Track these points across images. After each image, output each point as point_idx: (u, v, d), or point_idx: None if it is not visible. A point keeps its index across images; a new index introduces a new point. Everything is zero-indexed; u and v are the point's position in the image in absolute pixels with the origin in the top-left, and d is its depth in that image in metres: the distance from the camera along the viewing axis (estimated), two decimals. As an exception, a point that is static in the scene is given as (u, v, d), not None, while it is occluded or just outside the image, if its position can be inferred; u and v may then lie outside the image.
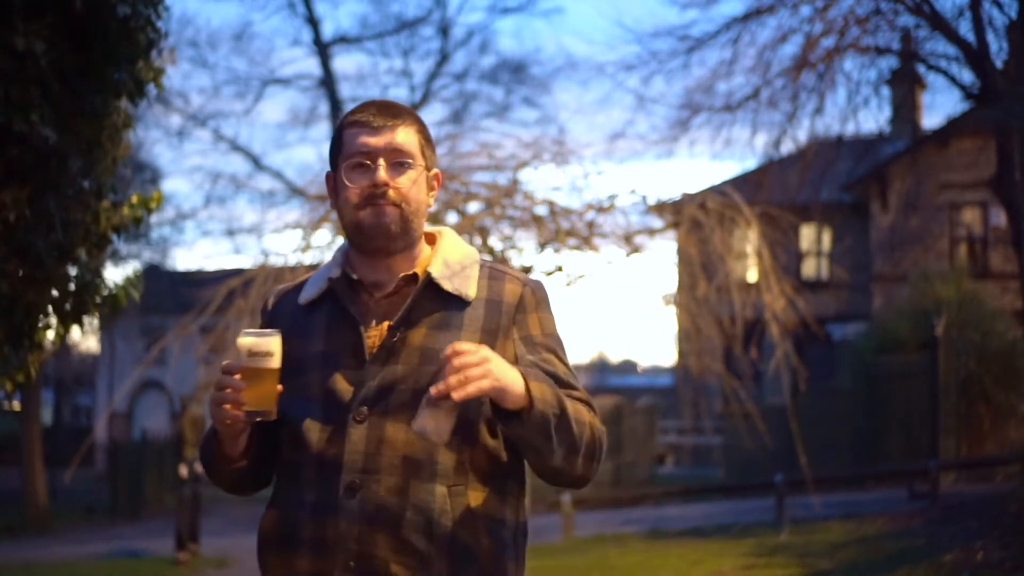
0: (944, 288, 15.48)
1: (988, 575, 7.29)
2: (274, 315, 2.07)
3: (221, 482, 2.07)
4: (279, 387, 1.88)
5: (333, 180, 2.02)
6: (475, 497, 1.90)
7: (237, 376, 1.85)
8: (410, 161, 1.97)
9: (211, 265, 33.19)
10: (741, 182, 16.16)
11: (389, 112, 1.99)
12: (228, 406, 1.85)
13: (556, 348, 2.00)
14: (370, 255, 1.98)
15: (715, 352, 13.00)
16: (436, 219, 11.68)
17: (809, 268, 24.07)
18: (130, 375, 22.18)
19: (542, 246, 11.62)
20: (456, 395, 1.73)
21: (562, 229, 11.76)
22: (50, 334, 4.28)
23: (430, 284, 1.95)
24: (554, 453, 1.85)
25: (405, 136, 1.98)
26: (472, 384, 1.73)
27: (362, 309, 1.97)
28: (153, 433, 21.96)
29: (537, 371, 1.88)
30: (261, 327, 2.06)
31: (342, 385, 1.91)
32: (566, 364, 2.00)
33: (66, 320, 4.22)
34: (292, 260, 12.12)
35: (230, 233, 36.38)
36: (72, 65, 3.82)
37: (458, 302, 1.95)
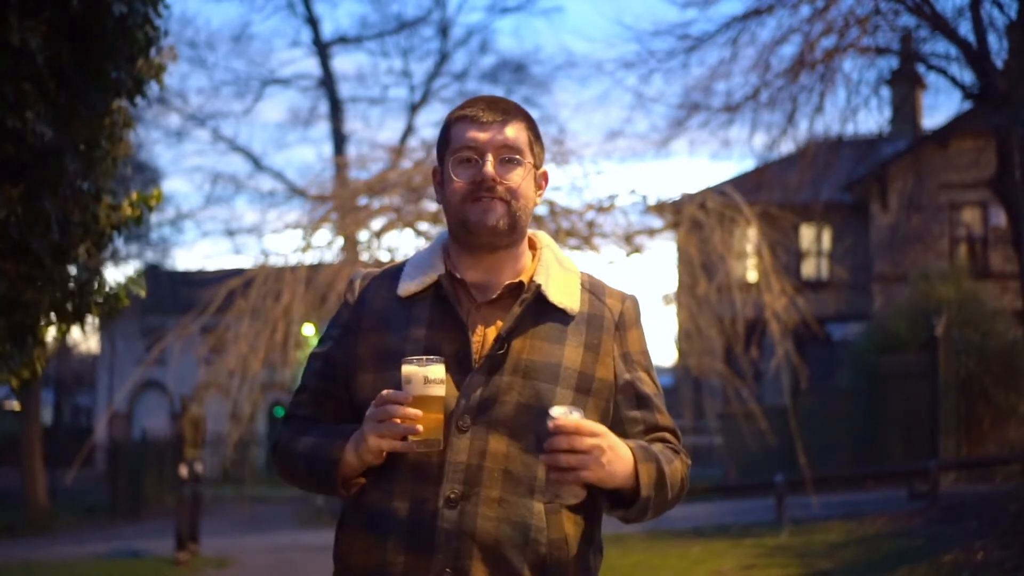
0: (944, 288, 15.47)
1: (988, 575, 7.28)
2: (363, 301, 2.00)
3: (307, 489, 2.04)
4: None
5: (440, 175, 2.00)
6: (569, 516, 1.89)
7: (408, 405, 1.78)
8: (518, 158, 1.94)
9: (211, 265, 33.25)
10: (741, 182, 16.16)
11: (498, 107, 1.96)
12: (399, 438, 1.79)
13: (648, 366, 2.01)
14: (475, 252, 1.95)
15: (715, 352, 13.00)
16: (436, 219, 11.69)
17: (809, 268, 24.08)
18: (130, 375, 22.17)
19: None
20: (558, 475, 1.74)
21: (562, 229, 11.77)
22: (52, 332, 4.28)
23: (538, 295, 1.93)
24: (645, 518, 1.90)
25: (514, 132, 1.95)
26: (579, 474, 1.75)
27: (465, 311, 1.93)
28: (153, 433, 21.99)
29: (645, 448, 1.88)
30: (346, 312, 2.01)
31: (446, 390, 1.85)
32: (656, 383, 2.00)
33: (66, 319, 4.22)
34: (292, 260, 12.14)
35: (230, 233, 36.50)
36: (69, 63, 3.81)
37: (562, 316, 1.93)
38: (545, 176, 2.03)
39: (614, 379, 1.93)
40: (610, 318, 1.97)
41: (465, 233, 1.93)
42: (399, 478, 1.86)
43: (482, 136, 1.92)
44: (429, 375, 1.79)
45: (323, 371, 2.01)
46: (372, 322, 1.96)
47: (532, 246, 2.03)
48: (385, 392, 1.80)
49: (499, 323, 1.91)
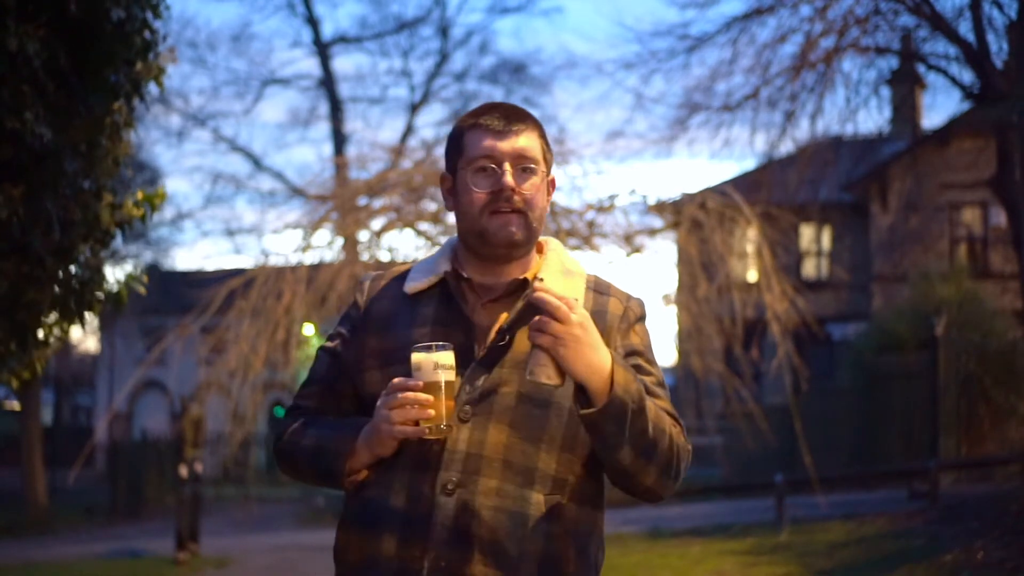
0: (944, 288, 15.47)
1: (988, 575, 7.29)
2: (372, 300, 2.03)
3: (308, 482, 2.04)
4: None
5: (451, 182, 2.00)
6: (570, 508, 1.88)
7: (420, 391, 1.80)
8: (534, 166, 1.95)
9: (211, 265, 33.24)
10: (741, 182, 16.16)
11: (514, 116, 1.97)
12: (412, 423, 1.80)
13: (652, 360, 2.00)
14: (486, 260, 1.96)
15: (716, 352, 12.99)
16: (436, 219, 11.69)
17: (809, 268, 24.08)
18: (130, 375, 22.17)
19: (542, 246, 11.62)
20: (534, 338, 1.75)
21: (562, 229, 11.76)
22: (55, 331, 4.29)
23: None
24: (623, 448, 1.81)
25: (529, 140, 1.95)
26: (546, 340, 1.74)
27: (470, 309, 1.95)
28: (153, 433, 21.97)
29: (627, 363, 1.86)
30: (355, 311, 2.04)
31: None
32: (659, 375, 1.98)
33: (68, 318, 4.23)
34: (292, 260, 12.13)
35: (230, 233, 36.53)
36: (68, 66, 3.82)
37: None
38: (553, 182, 2.04)
39: None
40: (614, 314, 1.98)
41: (482, 244, 1.94)
42: (399, 469, 1.87)
43: (499, 145, 1.93)
44: (439, 361, 1.81)
45: (331, 366, 2.03)
46: (379, 320, 1.99)
47: (539, 249, 2.04)
48: (397, 380, 1.82)
49: (504, 317, 1.92)
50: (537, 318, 1.75)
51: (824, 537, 9.89)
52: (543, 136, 2.00)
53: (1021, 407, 13.59)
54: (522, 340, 1.89)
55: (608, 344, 1.91)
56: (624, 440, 1.80)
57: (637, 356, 1.97)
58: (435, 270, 1.99)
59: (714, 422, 19.88)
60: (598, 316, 1.95)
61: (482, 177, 1.93)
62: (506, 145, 1.93)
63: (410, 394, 1.79)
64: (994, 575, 7.27)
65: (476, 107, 2.03)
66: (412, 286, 1.99)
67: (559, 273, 1.98)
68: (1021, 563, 7.36)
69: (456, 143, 1.99)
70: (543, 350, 1.76)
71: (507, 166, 1.92)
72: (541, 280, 1.93)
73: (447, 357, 1.82)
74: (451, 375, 1.82)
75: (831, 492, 12.53)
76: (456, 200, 1.98)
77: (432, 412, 1.79)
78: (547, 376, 1.77)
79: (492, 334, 1.91)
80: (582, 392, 1.79)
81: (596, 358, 1.77)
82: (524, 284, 1.95)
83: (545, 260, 2.01)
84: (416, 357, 1.82)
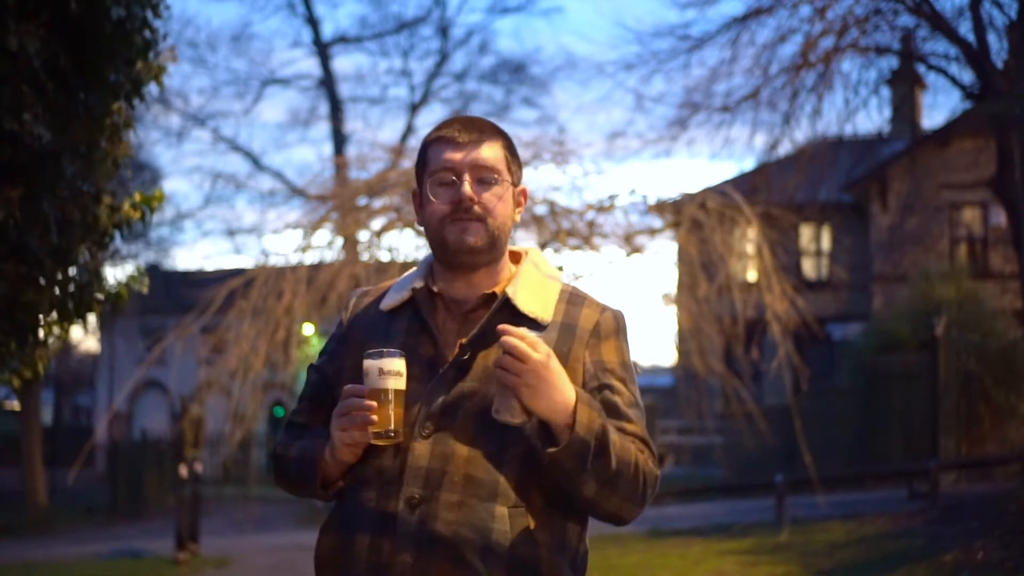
0: (944, 288, 15.46)
1: (988, 575, 7.29)
2: (354, 318, 2.06)
3: (298, 493, 2.08)
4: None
5: (419, 197, 2.02)
6: (537, 519, 1.87)
7: (366, 397, 1.82)
8: (496, 176, 1.95)
9: (211, 265, 33.26)
10: (741, 182, 16.15)
11: (474, 127, 1.98)
12: (358, 429, 1.82)
13: (626, 378, 1.97)
14: (455, 269, 1.97)
15: (716, 352, 12.99)
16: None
17: (809, 268, 24.06)
18: (130, 375, 22.16)
19: (542, 246, 11.62)
20: (497, 377, 1.78)
21: (562, 229, 11.76)
22: (54, 331, 4.29)
23: (506, 304, 1.94)
24: (585, 484, 1.82)
25: (490, 151, 1.96)
26: (509, 379, 1.77)
27: (440, 323, 1.96)
28: (153, 433, 21.96)
29: (591, 399, 1.86)
30: (339, 328, 2.08)
31: (411, 398, 1.88)
32: (633, 394, 1.97)
33: (68, 319, 4.22)
34: (292, 260, 12.13)
35: (230, 233, 36.57)
36: (67, 66, 3.82)
37: (533, 325, 1.92)
38: (524, 193, 2.04)
39: (582, 387, 1.90)
40: (585, 327, 1.97)
41: (445, 253, 1.96)
42: (367, 480, 1.90)
43: (458, 156, 1.94)
44: (384, 367, 1.83)
45: (318, 383, 2.07)
46: (358, 336, 2.01)
47: (516, 259, 2.05)
48: (347, 386, 1.86)
49: (462, 341, 1.93)
50: (500, 357, 1.78)
51: (824, 537, 9.89)
52: (508, 148, 2.00)
53: (1021, 407, 13.59)
54: (486, 355, 1.90)
55: (574, 358, 1.92)
56: (587, 476, 1.82)
57: (608, 374, 1.95)
58: (409, 286, 2.01)
59: (714, 422, 19.86)
60: (566, 329, 1.96)
61: (443, 189, 1.95)
62: (465, 156, 1.94)
63: (354, 400, 1.82)
64: (994, 575, 7.27)
65: (441, 121, 2.04)
66: (387, 303, 2.02)
67: (531, 286, 1.98)
68: (1021, 563, 7.37)
69: (421, 158, 2.01)
70: (507, 389, 1.78)
71: (466, 177, 1.93)
72: (507, 295, 1.94)
73: (393, 363, 1.84)
74: (400, 382, 1.84)
75: (831, 492, 12.53)
76: (422, 213, 2.00)
77: (376, 418, 1.81)
78: (511, 415, 1.80)
79: (456, 349, 1.92)
80: (545, 430, 1.82)
81: (559, 397, 1.79)
82: (493, 297, 1.96)
83: (519, 272, 2.01)
84: (365, 364, 1.85)
